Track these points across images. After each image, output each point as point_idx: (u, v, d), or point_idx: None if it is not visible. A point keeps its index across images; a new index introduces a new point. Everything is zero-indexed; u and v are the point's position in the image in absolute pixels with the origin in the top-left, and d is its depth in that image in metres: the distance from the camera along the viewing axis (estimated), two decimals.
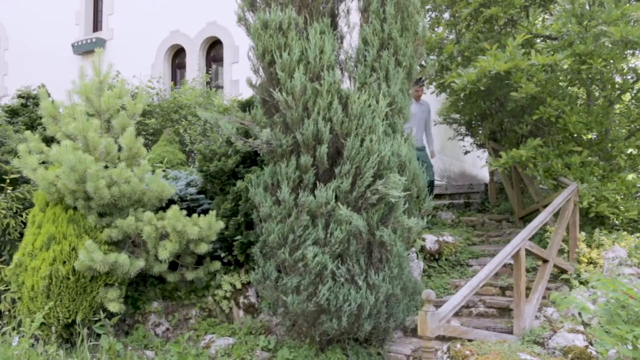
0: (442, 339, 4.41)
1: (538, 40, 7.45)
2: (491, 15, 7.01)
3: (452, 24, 8.13)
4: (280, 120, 4.61)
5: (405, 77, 4.73)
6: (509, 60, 6.03)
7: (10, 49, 14.84)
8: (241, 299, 5.51)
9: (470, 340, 3.96)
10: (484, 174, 11.80)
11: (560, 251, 5.88)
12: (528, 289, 5.09)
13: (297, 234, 4.34)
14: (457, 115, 9.24)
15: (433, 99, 9.42)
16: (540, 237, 6.43)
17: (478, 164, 12.07)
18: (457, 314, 5.44)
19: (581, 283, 5.31)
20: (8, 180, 5.75)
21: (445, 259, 6.47)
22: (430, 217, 7.97)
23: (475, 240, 7.26)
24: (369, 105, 4.39)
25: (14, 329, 3.66)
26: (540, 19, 8.12)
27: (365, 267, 4.39)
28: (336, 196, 4.38)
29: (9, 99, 10.43)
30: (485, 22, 7.44)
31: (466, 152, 10.33)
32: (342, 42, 5.08)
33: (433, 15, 8.59)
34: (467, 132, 9.56)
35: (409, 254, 5.70)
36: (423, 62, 6.70)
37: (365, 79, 4.56)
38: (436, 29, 8.30)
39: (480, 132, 9.17)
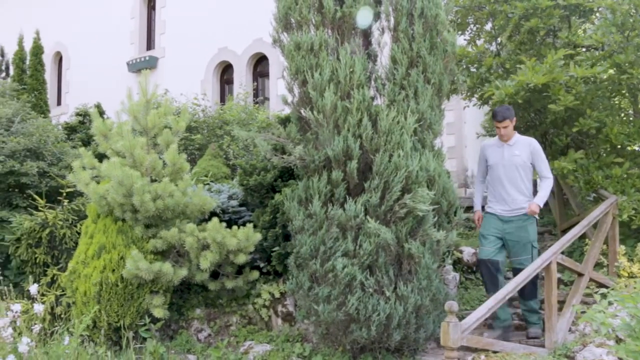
0: (472, 350, 4.48)
1: (581, 50, 7.39)
2: (531, 27, 7.01)
3: (493, 36, 8.16)
4: (312, 137, 4.81)
5: (435, 94, 4.85)
6: (547, 73, 6.04)
7: (72, 68, 15.71)
8: (279, 308, 5.73)
9: (495, 352, 4.02)
10: None
11: (599, 265, 5.81)
12: (562, 302, 5.08)
13: (327, 245, 4.52)
14: None
15: (475, 111, 9.43)
16: (581, 251, 6.36)
17: None
18: (490, 326, 5.47)
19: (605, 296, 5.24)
20: (64, 194, 6.20)
21: (481, 274, 6.48)
22: (468, 229, 8.01)
23: None
24: (398, 122, 4.54)
25: (67, 330, 3.99)
26: (582, 29, 8.05)
27: (395, 278, 4.52)
28: (366, 210, 4.53)
29: (69, 116, 11.08)
30: (526, 33, 7.44)
31: None
32: (374, 61, 5.25)
33: (474, 28, 8.63)
34: None
35: (443, 266, 5.79)
36: (463, 77, 6.75)
37: (395, 97, 4.71)
38: (477, 41, 8.35)
39: None
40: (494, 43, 8.28)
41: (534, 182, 5.40)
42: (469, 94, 8.05)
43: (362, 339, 4.60)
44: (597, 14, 7.42)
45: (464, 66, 7.82)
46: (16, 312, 3.08)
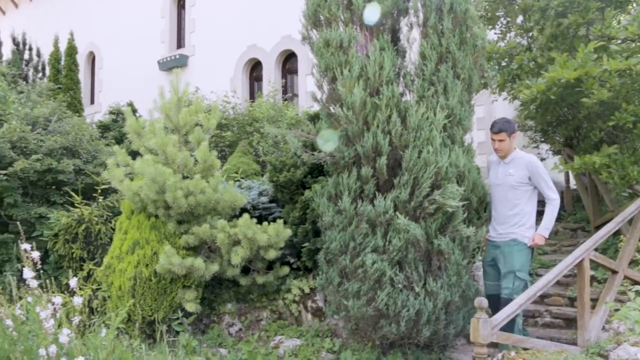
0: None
1: (617, 42, 7.23)
2: (569, 23, 6.88)
3: (524, 30, 8.04)
4: (342, 133, 4.83)
5: (465, 90, 4.82)
6: (579, 67, 5.94)
7: (104, 67, 16.02)
8: (309, 303, 5.78)
9: (526, 349, 3.99)
10: (563, 181, 11.48)
11: (634, 262, 5.71)
12: (595, 300, 5.01)
13: (357, 241, 4.54)
14: (532, 122, 9.08)
15: (506, 106, 9.32)
16: (615, 248, 6.25)
17: (556, 172, 11.74)
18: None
19: None
20: (99, 191, 6.35)
21: None
22: None
23: (547, 250, 7.15)
24: (427, 118, 4.53)
25: (103, 322, 4.10)
26: (616, 21, 7.87)
27: (424, 274, 4.52)
28: (395, 206, 4.54)
29: (102, 115, 11.32)
30: (559, 27, 7.31)
31: (542, 160, 10.10)
32: (403, 57, 5.23)
33: (505, 22, 8.51)
34: (543, 139, 9.36)
35: (473, 262, 5.75)
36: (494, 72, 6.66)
37: (424, 92, 4.69)
38: (508, 35, 8.24)
39: (556, 138, 8.97)
40: (525, 37, 8.17)
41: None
42: (499, 89, 7.97)
43: (391, 335, 4.61)
44: (634, 4, 7.25)
45: (494, 61, 7.73)
46: (57, 304, 3.18)
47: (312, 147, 5.39)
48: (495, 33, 8.24)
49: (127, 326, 5.31)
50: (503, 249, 4.62)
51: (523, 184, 4.62)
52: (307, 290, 5.73)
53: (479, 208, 5.02)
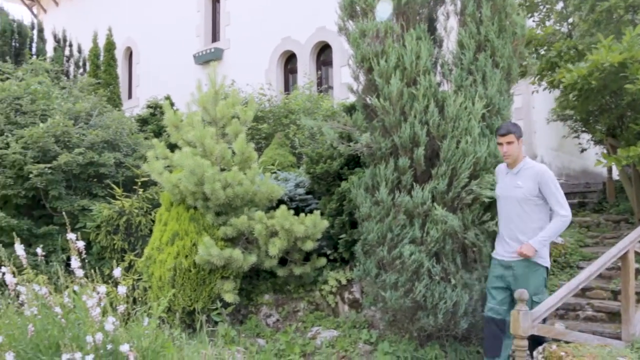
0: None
1: None
2: (610, 6, 6.69)
3: (564, 17, 7.85)
4: (379, 124, 4.81)
5: (504, 78, 4.74)
6: (625, 51, 5.76)
7: (141, 62, 16.29)
8: (346, 294, 5.79)
9: (567, 342, 3.92)
10: (605, 171, 11.20)
11: None
12: None
13: (394, 232, 4.53)
14: (572, 112, 8.86)
15: (544, 96, 9.12)
16: None
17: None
18: (562, 317, 5.34)
19: None
20: (139, 183, 6.48)
21: (554, 261, 6.31)
22: None
23: (588, 242, 6.99)
24: (465, 108, 4.47)
25: (144, 312, 4.20)
26: None
27: (461, 266, 4.48)
28: (433, 197, 4.50)
29: (140, 109, 11.52)
30: (602, 12, 7.10)
31: (582, 150, 9.88)
32: (440, 46, 5.18)
33: (544, 9, 8.32)
34: (584, 129, 9.14)
35: None
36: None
37: (462, 82, 4.63)
38: (547, 22, 8.06)
39: (597, 128, 8.74)
40: (565, 24, 7.96)
41: None
42: (538, 77, 7.79)
43: (429, 327, 4.59)
44: None
45: (533, 49, 7.57)
46: (102, 293, 3.26)
47: (349, 138, 5.39)
48: (534, 21, 8.07)
49: (167, 316, 5.42)
50: (515, 271, 4.10)
51: (532, 197, 4.08)
52: (343, 282, 5.75)
53: None
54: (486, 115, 4.64)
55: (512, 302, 4.03)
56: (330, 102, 9.02)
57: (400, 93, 4.59)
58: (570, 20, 7.78)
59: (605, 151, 8.60)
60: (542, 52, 7.58)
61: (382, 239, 4.62)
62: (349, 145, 4.99)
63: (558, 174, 10.74)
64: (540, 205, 4.10)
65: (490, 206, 4.53)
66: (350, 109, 6.15)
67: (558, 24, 7.88)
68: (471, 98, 4.50)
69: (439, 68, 5.03)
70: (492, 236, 4.50)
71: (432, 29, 5.12)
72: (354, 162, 5.87)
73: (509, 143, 4.14)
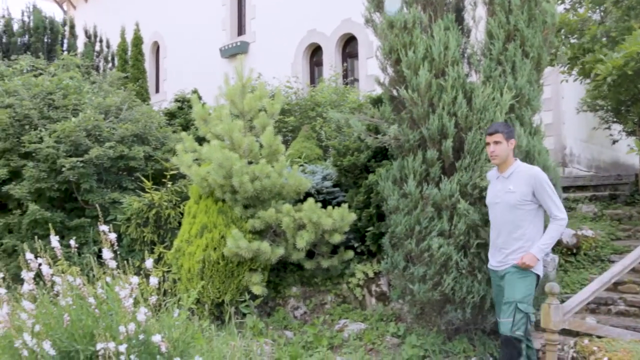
0: (574, 334, 4.33)
1: None
2: None
3: (596, 3, 7.66)
4: (407, 116, 4.78)
5: (534, 68, 4.66)
6: None
7: (168, 57, 16.44)
8: (373, 287, 5.79)
9: (600, 337, 3.85)
10: (637, 163, 10.95)
11: None
12: None
13: (422, 225, 4.50)
14: (602, 102, 8.67)
15: (574, 86, 8.94)
16: None
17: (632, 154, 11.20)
18: (593, 311, 5.26)
19: None
20: (168, 176, 6.56)
21: (584, 254, 6.21)
22: (568, 210, 7.66)
23: (619, 235, 6.85)
24: (493, 99, 4.41)
25: (174, 303, 4.26)
26: None
27: (486, 260, 4.43)
28: (460, 189, 4.46)
29: (167, 103, 11.65)
30: None
31: (614, 142, 9.66)
32: (468, 37, 5.11)
33: None
34: (615, 119, 8.93)
35: None
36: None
37: (491, 72, 4.57)
38: (578, 9, 7.88)
39: (629, 118, 8.54)
40: (597, 10, 7.78)
41: None
42: (568, 67, 7.63)
43: (457, 320, 4.57)
44: None
45: (563, 36, 7.41)
46: (134, 284, 3.32)
47: (376, 130, 5.37)
48: (565, 8, 7.90)
49: (196, 307, 5.49)
50: (505, 278, 3.84)
51: (526, 202, 3.79)
52: (371, 275, 5.74)
53: None
54: (515, 107, 4.58)
55: None
56: (356, 94, 8.99)
57: (429, 84, 4.55)
58: (603, 7, 7.59)
59: (638, 141, 8.40)
60: (573, 40, 7.41)
61: (410, 231, 4.61)
62: (377, 138, 4.97)
63: (588, 165, 10.54)
64: (533, 210, 3.82)
65: None
66: (377, 101, 6.12)
67: (590, 11, 7.69)
68: (499, 89, 4.44)
69: (467, 58, 4.97)
70: None
71: (460, 19, 5.06)
72: (381, 154, 5.84)
73: (496, 143, 3.84)
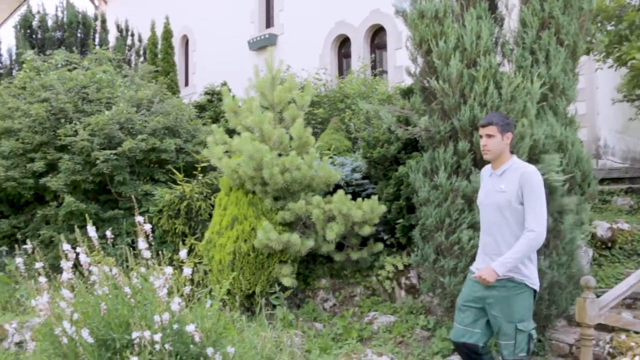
0: (608, 329, 4.25)
1: None
2: None
3: None
4: (437, 107, 4.73)
5: (569, 57, 4.57)
6: None
7: (197, 50, 16.56)
8: (403, 280, 5.77)
9: (637, 332, 3.78)
10: None
11: None
12: None
13: (453, 217, 4.46)
14: None
15: (608, 75, 8.73)
16: None
17: None
18: (629, 307, 5.16)
19: None
20: (199, 168, 6.63)
21: (620, 248, 6.09)
22: (602, 202, 7.51)
23: None
24: (523, 88, 4.33)
25: (206, 294, 4.32)
26: None
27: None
28: None
29: (196, 96, 11.76)
30: None
31: None
32: (501, 25, 5.03)
33: None
34: None
35: None
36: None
37: (523, 62, 4.49)
38: None
39: None
40: None
41: None
42: (604, 55, 7.45)
43: None
44: None
45: (600, 23, 7.23)
46: (168, 274, 3.37)
47: (406, 122, 5.33)
48: None
49: (227, 298, 5.55)
50: (500, 291, 3.38)
51: (518, 204, 3.37)
52: (400, 267, 5.72)
53: (583, 183, 4.77)
54: (549, 96, 4.49)
55: (489, 328, 3.50)
56: (385, 85, 8.93)
57: (460, 75, 4.49)
58: None
59: None
60: (610, 28, 7.23)
61: (440, 223, 4.57)
62: (407, 129, 4.93)
63: (622, 157, 10.29)
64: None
65: (554, 191, 4.40)
66: (406, 93, 6.08)
67: None
68: (530, 78, 4.35)
69: (499, 48, 4.89)
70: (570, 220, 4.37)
71: (492, 7, 4.97)
72: (411, 146, 5.81)
73: (489, 136, 3.45)
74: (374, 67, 11.88)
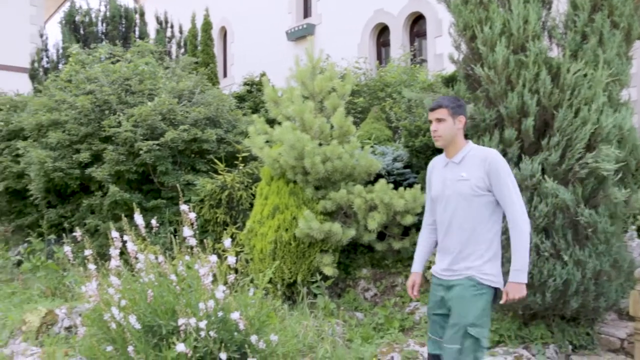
0: None
1: None
2: None
3: None
4: (482, 94, 4.62)
5: (623, 40, 4.39)
6: None
7: (235, 41, 16.66)
8: None
9: None
10: None
11: None
12: None
13: None
14: None
15: None
16: None
17: None
18: None
19: None
20: (240, 158, 6.67)
21: None
22: None
23: None
24: (585, 75, 4.18)
25: (250, 282, 4.36)
26: None
27: (573, 242, 4.25)
28: (543, 169, 4.29)
29: (235, 87, 11.83)
30: None
31: None
32: (549, 9, 4.87)
33: None
34: None
35: (625, 231, 5.31)
36: None
37: (576, 46, 4.34)
38: None
39: None
40: None
41: None
42: None
43: (535, 305, 4.40)
44: None
45: None
46: (213, 263, 3.40)
47: None
48: None
49: (268, 287, 5.58)
50: (458, 291, 3.01)
51: (483, 192, 3.00)
52: None
53: (637, 173, 4.61)
54: (608, 83, 4.33)
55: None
56: (425, 74, 8.81)
57: (506, 61, 4.37)
58: None
59: None
60: None
61: None
62: None
63: None
64: (491, 204, 3.03)
65: (604, 181, 4.26)
66: (449, 80, 5.96)
67: None
68: (589, 64, 4.21)
69: (547, 32, 4.74)
70: (612, 210, 4.23)
71: None
72: None
73: (439, 121, 3.08)
74: (413, 56, 11.75)
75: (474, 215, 3.01)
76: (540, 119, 4.36)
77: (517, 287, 2.94)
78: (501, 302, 2.99)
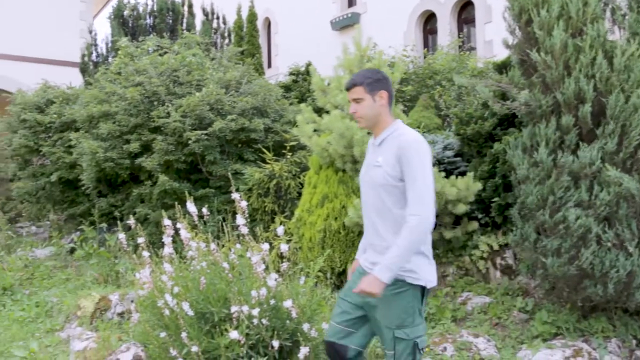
0: None
1: None
2: None
3: None
4: (538, 80, 4.46)
5: None
6: None
7: (279, 32, 16.70)
8: (498, 260, 5.56)
9: None
10: None
11: None
12: None
13: (557, 195, 4.21)
14: None
15: None
16: None
17: None
18: None
19: None
20: (288, 147, 6.68)
21: None
22: None
23: None
24: (639, 57, 3.98)
25: (300, 270, 4.35)
26: None
27: (638, 232, 4.07)
28: (601, 157, 4.12)
29: (281, 77, 11.86)
30: None
31: None
32: None
33: None
34: None
35: None
36: None
37: (637, 28, 4.14)
38: None
39: None
40: None
41: None
42: None
43: (596, 297, 4.25)
44: None
45: None
46: (265, 250, 3.40)
47: (502, 97, 5.09)
48: None
49: (318, 275, 5.57)
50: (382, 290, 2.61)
51: (396, 182, 2.62)
52: (495, 247, 5.51)
53: None
54: None
55: (369, 333, 2.87)
56: (475, 61, 8.61)
57: (564, 45, 4.20)
58: None
59: None
60: None
61: (542, 202, 4.33)
62: (505, 104, 4.70)
63: None
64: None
65: None
66: (502, 67, 5.80)
67: None
68: None
69: (608, 14, 4.54)
70: None
71: None
72: (507, 122, 5.55)
73: (356, 101, 2.72)
74: (462, 43, 11.52)
75: (389, 207, 2.66)
76: (597, 105, 4.18)
77: (374, 282, 2.54)
78: (356, 290, 2.62)
